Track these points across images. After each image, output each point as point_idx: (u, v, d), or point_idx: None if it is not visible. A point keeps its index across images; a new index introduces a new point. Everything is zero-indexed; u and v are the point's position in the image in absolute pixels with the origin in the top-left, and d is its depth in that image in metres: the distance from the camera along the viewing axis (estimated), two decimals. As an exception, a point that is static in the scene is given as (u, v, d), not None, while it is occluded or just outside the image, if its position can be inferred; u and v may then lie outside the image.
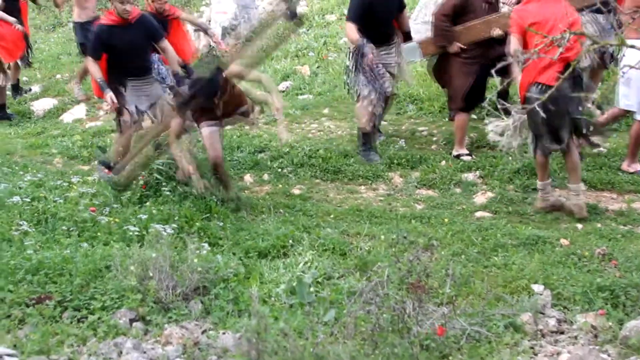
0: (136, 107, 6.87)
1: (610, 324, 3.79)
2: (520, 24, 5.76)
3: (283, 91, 10.75)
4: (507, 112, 5.82)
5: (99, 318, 3.76)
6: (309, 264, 4.79)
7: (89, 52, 6.85)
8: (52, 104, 11.31)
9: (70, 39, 14.20)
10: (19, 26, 10.70)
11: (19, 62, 11.23)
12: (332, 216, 6.16)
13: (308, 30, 13.18)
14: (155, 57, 7.29)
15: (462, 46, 7.17)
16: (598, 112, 8.27)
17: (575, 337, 3.74)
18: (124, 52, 6.71)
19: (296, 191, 6.93)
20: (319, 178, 7.26)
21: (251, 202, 6.39)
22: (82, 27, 10.68)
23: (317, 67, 11.28)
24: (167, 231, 5.03)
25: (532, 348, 3.57)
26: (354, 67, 7.47)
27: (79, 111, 10.87)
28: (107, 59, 6.77)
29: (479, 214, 6.14)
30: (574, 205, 5.95)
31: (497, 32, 7.00)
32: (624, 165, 6.96)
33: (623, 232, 5.66)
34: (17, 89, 11.58)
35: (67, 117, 10.68)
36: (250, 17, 13.72)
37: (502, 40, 6.92)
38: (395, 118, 8.94)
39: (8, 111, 10.85)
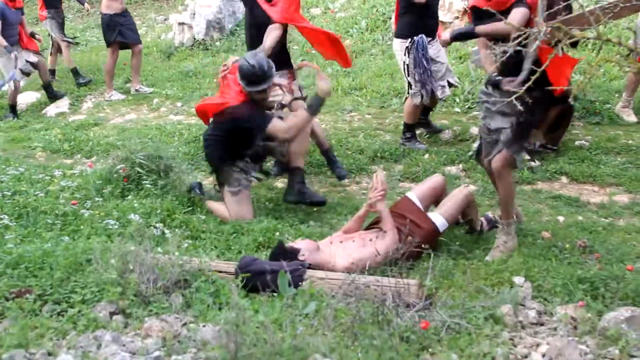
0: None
1: (589, 315, 3.80)
2: None
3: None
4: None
5: (79, 311, 3.73)
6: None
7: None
8: (35, 97, 11.28)
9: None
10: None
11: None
12: (315, 209, 6.16)
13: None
14: None
15: None
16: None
17: (555, 329, 3.75)
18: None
19: (280, 185, 6.93)
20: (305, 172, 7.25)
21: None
22: (110, 20, 10.68)
23: (302, 61, 11.27)
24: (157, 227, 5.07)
25: (511, 339, 3.58)
26: (413, 63, 7.42)
27: (62, 105, 10.83)
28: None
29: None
30: None
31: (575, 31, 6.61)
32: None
33: (604, 224, 5.70)
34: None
35: (50, 111, 10.65)
36: (235, 10, 13.70)
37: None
38: (379, 111, 8.95)
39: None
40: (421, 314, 3.62)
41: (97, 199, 5.70)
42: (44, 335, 3.49)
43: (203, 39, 13.15)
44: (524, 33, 2.79)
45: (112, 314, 3.76)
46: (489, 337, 3.55)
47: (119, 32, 10.68)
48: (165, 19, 16.19)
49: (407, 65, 7.48)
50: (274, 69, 5.99)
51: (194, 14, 13.27)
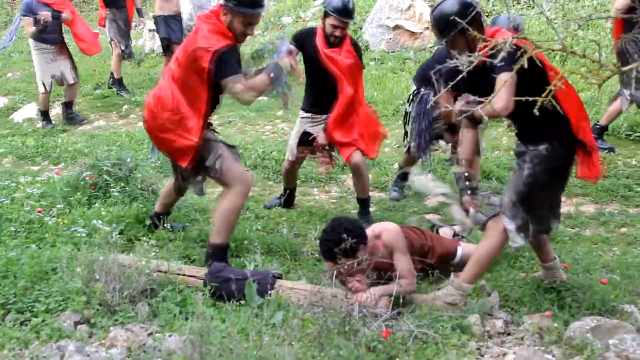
0: None
1: (555, 325, 3.83)
2: None
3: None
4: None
5: (42, 321, 3.68)
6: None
7: None
8: (2, 102, 11.12)
9: (22, 37, 14.00)
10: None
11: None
12: (284, 218, 6.15)
13: (264, 32, 13.15)
14: None
15: None
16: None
17: (522, 338, 3.77)
18: None
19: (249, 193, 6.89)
20: (272, 180, 7.25)
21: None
22: (165, 21, 10.29)
23: (273, 69, 11.25)
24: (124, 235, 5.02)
25: (478, 349, 3.59)
26: (416, 114, 6.42)
27: (30, 111, 10.70)
28: None
29: (430, 216, 6.18)
30: None
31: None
32: None
33: (570, 234, 5.75)
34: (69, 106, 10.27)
35: (17, 117, 10.51)
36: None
37: None
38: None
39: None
40: (388, 324, 3.62)
41: (63, 206, 5.63)
42: (6, 345, 3.44)
43: (174, 46, 13.09)
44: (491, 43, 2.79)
45: (76, 323, 3.72)
46: (456, 346, 3.56)
47: (170, 31, 10.30)
48: (135, 26, 16.08)
49: (406, 113, 6.66)
50: None
51: (165, 21, 13.20)
